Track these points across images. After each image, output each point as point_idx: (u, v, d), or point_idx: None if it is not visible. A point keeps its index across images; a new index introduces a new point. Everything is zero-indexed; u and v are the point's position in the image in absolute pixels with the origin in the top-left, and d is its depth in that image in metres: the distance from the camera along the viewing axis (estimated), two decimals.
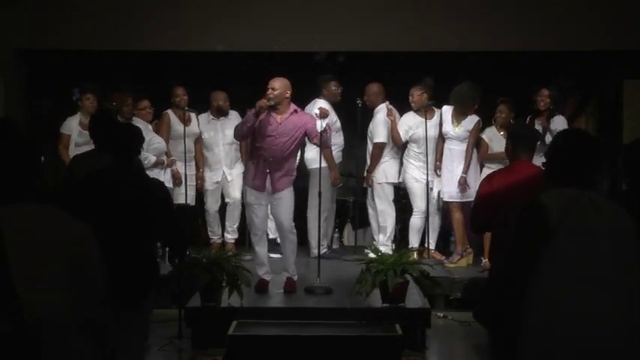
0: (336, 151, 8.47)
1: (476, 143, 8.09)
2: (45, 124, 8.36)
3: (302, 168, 8.41)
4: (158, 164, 7.83)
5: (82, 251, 2.78)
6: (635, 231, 3.12)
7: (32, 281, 2.62)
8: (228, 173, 8.58)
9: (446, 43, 8.40)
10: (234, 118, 8.42)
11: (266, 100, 6.53)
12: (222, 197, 8.71)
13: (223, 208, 8.75)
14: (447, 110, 8.14)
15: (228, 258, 6.39)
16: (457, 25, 8.38)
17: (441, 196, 8.19)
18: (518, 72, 8.58)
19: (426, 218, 8.22)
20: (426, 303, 6.48)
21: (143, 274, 4.31)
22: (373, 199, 8.54)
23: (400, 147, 8.40)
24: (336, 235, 9.15)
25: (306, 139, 6.93)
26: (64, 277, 2.72)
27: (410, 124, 8.24)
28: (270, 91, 6.59)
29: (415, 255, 7.47)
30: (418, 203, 8.27)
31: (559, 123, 7.82)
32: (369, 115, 8.51)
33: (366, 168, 8.56)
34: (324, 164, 7.64)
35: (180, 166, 8.10)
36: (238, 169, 8.52)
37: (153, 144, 7.95)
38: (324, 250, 8.11)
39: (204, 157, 8.56)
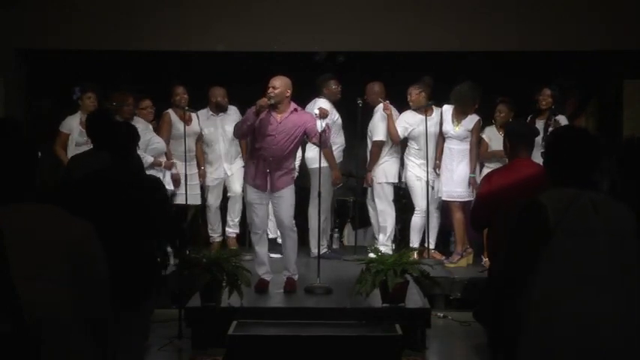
0: (338, 151, 8.47)
1: (477, 142, 8.09)
2: (45, 124, 8.36)
3: (303, 167, 8.42)
4: (155, 165, 7.81)
5: (83, 251, 2.78)
6: (635, 230, 3.12)
7: (32, 281, 2.62)
8: (228, 168, 8.59)
9: (446, 43, 8.41)
10: (233, 113, 8.43)
11: (267, 99, 6.53)
12: (224, 193, 8.72)
13: (224, 206, 8.76)
14: (448, 109, 8.15)
15: (228, 258, 6.39)
16: (457, 25, 8.38)
17: (439, 195, 8.19)
18: (518, 72, 8.58)
19: (427, 217, 8.22)
20: (426, 303, 6.48)
21: (143, 274, 4.31)
22: (373, 199, 8.54)
23: (399, 146, 8.40)
24: (336, 235, 9.15)
25: (306, 139, 6.93)
26: (65, 277, 2.72)
27: (409, 121, 8.25)
28: (270, 89, 6.59)
29: (415, 255, 7.47)
30: (420, 202, 8.26)
31: (560, 123, 7.81)
32: (369, 114, 8.51)
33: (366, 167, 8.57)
34: (323, 164, 7.64)
35: (180, 166, 8.10)
36: (238, 163, 8.54)
37: (152, 144, 7.95)
38: (324, 250, 8.11)
39: (204, 154, 8.57)
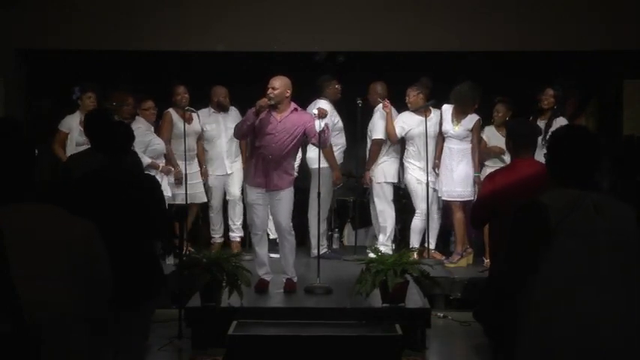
0: (339, 152, 8.48)
1: (479, 142, 8.09)
2: (45, 124, 8.36)
3: (304, 168, 8.43)
4: (152, 167, 7.79)
5: (85, 250, 2.78)
6: (637, 231, 3.11)
7: (32, 281, 2.62)
8: (228, 167, 8.59)
9: (446, 43, 8.40)
10: (234, 113, 8.43)
11: (267, 99, 6.54)
12: (224, 196, 8.73)
13: (225, 207, 8.76)
14: (447, 109, 8.14)
15: (228, 258, 6.39)
16: (457, 25, 8.38)
17: (440, 195, 8.19)
18: (518, 72, 8.58)
19: (427, 219, 8.22)
20: (426, 303, 6.48)
21: (143, 275, 4.31)
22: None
23: (399, 146, 8.40)
24: (336, 235, 9.15)
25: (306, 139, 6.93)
26: (66, 277, 2.72)
27: (407, 122, 8.24)
28: (270, 90, 6.60)
29: (415, 255, 7.47)
30: (421, 204, 8.25)
31: (561, 124, 7.81)
32: (369, 114, 8.52)
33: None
34: (323, 164, 7.63)
35: (181, 165, 8.09)
36: (238, 164, 8.53)
37: (152, 145, 7.95)
38: (324, 250, 8.11)
39: (205, 151, 8.57)
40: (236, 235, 8.65)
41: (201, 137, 8.51)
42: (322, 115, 6.94)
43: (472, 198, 7.97)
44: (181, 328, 6.37)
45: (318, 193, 7.38)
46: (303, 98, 7.51)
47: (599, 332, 2.99)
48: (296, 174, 7.20)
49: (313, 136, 6.71)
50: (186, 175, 8.05)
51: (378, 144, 8.39)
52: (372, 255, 6.64)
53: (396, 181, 8.46)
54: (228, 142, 8.53)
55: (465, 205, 8.03)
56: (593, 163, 3.21)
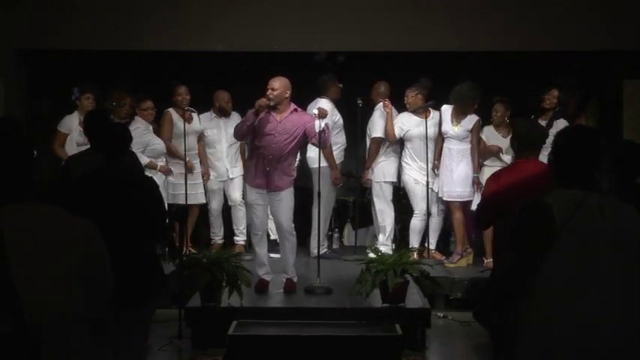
0: (339, 150, 8.49)
1: (479, 142, 8.08)
2: (45, 124, 8.35)
3: (304, 168, 8.43)
4: (150, 167, 7.78)
5: (86, 250, 2.78)
6: None
7: (33, 281, 2.62)
8: (229, 171, 8.59)
9: (446, 43, 8.40)
10: (235, 118, 8.43)
11: (266, 100, 6.54)
12: (225, 201, 8.72)
13: (225, 209, 8.76)
14: (447, 110, 8.14)
15: (228, 258, 6.39)
16: (457, 25, 8.38)
17: (440, 195, 8.19)
18: (518, 72, 8.58)
19: (426, 219, 8.22)
20: (426, 303, 6.48)
21: (143, 275, 4.31)
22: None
23: (398, 146, 8.40)
24: (336, 235, 9.15)
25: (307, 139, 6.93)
26: (66, 277, 2.71)
27: (405, 122, 8.24)
28: (270, 91, 6.60)
29: (415, 255, 7.47)
30: (420, 205, 8.26)
31: (561, 126, 7.79)
32: (369, 114, 8.53)
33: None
34: (323, 164, 7.63)
35: (181, 165, 8.09)
36: (239, 170, 8.53)
37: (152, 145, 7.95)
38: (324, 250, 8.11)
39: (207, 155, 8.57)
40: (240, 239, 8.65)
41: (201, 137, 8.50)
42: (322, 115, 6.94)
43: (471, 198, 7.97)
44: (181, 328, 6.37)
45: (319, 193, 7.38)
46: (303, 98, 7.52)
47: (599, 332, 2.99)
48: (294, 173, 7.19)
49: (313, 137, 6.71)
50: (186, 175, 8.04)
51: (377, 142, 8.40)
52: (372, 255, 6.64)
53: (395, 180, 8.46)
54: (228, 147, 8.53)
55: (464, 205, 8.04)
56: (597, 164, 3.21)
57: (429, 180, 8.16)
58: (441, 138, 8.19)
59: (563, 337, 3.00)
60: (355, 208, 9.15)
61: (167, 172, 8.10)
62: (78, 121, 7.79)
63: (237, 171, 8.56)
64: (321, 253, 7.46)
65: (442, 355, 6.55)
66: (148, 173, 7.54)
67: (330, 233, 8.87)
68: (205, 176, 8.50)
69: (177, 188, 8.21)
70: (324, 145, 7.02)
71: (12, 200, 2.77)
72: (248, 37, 8.43)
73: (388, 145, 8.40)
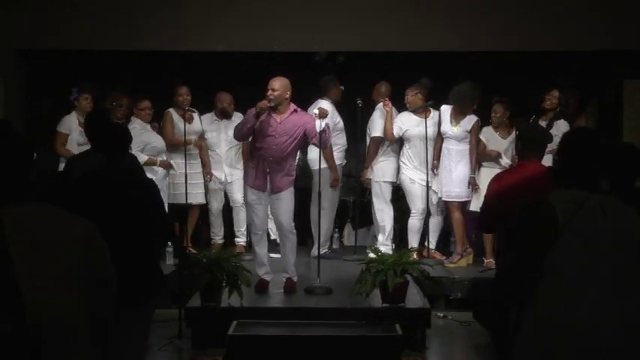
0: (340, 152, 8.48)
1: (477, 143, 8.08)
2: (45, 124, 8.36)
3: (305, 168, 8.43)
4: (150, 164, 7.79)
5: (85, 250, 2.78)
6: None
7: (33, 281, 2.62)
8: (229, 174, 8.59)
9: (446, 43, 8.40)
10: (238, 120, 8.41)
11: (267, 102, 6.53)
12: (227, 203, 8.72)
13: (226, 209, 8.76)
14: (446, 110, 8.14)
15: (228, 258, 6.39)
16: (457, 25, 8.38)
17: (439, 196, 8.19)
18: (518, 72, 8.58)
19: (425, 218, 8.23)
20: (426, 303, 6.48)
21: (143, 275, 4.31)
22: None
23: (397, 145, 8.40)
24: (336, 235, 9.15)
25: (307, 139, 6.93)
26: (66, 277, 2.71)
27: (405, 122, 8.25)
28: (270, 92, 6.59)
29: (415, 255, 7.47)
30: (416, 204, 8.27)
31: (561, 126, 7.79)
32: (370, 114, 8.53)
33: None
34: (324, 165, 7.63)
35: (181, 165, 8.08)
36: (239, 172, 8.51)
37: (151, 143, 7.95)
38: (324, 250, 8.12)
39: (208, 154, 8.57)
40: (241, 240, 8.65)
41: (202, 138, 8.49)
42: (323, 115, 6.94)
43: (470, 199, 7.98)
44: (181, 328, 6.37)
45: (319, 193, 7.38)
46: (303, 98, 7.52)
47: (599, 333, 2.99)
48: (294, 173, 7.18)
49: (314, 137, 6.71)
50: (186, 175, 8.04)
51: (376, 142, 8.41)
52: (372, 255, 6.64)
53: (394, 180, 8.47)
54: (227, 150, 8.53)
55: (463, 205, 8.04)
56: (598, 166, 3.21)
57: (428, 180, 8.17)
58: (439, 138, 8.19)
59: (564, 337, 3.00)
60: (355, 208, 9.15)
61: (167, 166, 8.08)
62: (77, 122, 7.80)
63: (237, 173, 8.55)
64: (321, 253, 7.47)
65: (442, 355, 6.56)
66: (148, 173, 7.57)
67: (330, 233, 8.87)
68: (208, 176, 8.50)
69: (176, 188, 8.21)
70: (324, 146, 7.02)
71: (12, 200, 2.77)
72: (248, 37, 8.43)
73: (388, 145, 8.41)
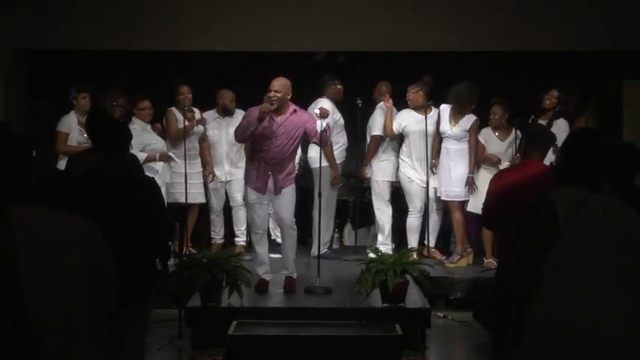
0: (340, 150, 8.48)
1: (477, 142, 8.07)
2: (45, 124, 8.35)
3: (306, 168, 8.43)
4: (150, 160, 7.78)
5: (86, 249, 2.78)
6: None
7: (33, 281, 2.62)
8: (229, 172, 8.59)
9: (446, 43, 8.41)
10: (239, 117, 8.40)
11: (270, 105, 6.53)
12: (227, 202, 8.72)
13: (226, 209, 8.76)
14: (445, 109, 8.14)
15: (228, 258, 6.39)
16: (457, 25, 8.38)
17: (438, 195, 8.19)
18: (518, 72, 8.58)
19: (424, 217, 8.23)
20: (426, 303, 6.48)
21: (142, 273, 4.31)
22: None
23: (397, 143, 8.41)
24: (336, 235, 9.15)
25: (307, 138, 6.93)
26: (67, 277, 2.71)
27: (405, 119, 8.25)
28: (273, 93, 6.58)
29: (415, 255, 7.47)
30: (415, 203, 8.28)
31: (560, 126, 7.79)
32: (370, 114, 8.53)
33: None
34: (324, 164, 7.64)
35: (181, 165, 8.08)
36: (241, 169, 8.50)
37: (150, 144, 7.95)
38: (324, 250, 8.12)
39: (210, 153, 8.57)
40: (241, 240, 8.65)
41: (204, 137, 8.49)
42: (324, 115, 6.94)
43: (469, 198, 7.97)
44: (181, 328, 6.37)
45: (319, 193, 7.39)
46: (303, 98, 7.52)
47: (599, 332, 2.99)
48: (296, 171, 7.19)
49: (314, 136, 6.72)
50: (186, 175, 8.04)
51: (377, 140, 8.41)
52: (372, 255, 6.65)
53: (394, 179, 8.47)
54: (228, 147, 8.53)
55: (462, 204, 8.04)
56: (599, 165, 3.22)
57: (428, 179, 8.17)
58: (438, 137, 8.18)
59: (564, 337, 3.00)
60: (355, 208, 9.15)
61: (166, 159, 8.06)
62: (77, 121, 7.79)
63: (239, 172, 8.53)
64: (321, 253, 7.47)
65: (442, 355, 6.56)
66: (148, 173, 7.56)
67: (330, 233, 8.87)
68: (210, 177, 8.50)
69: (176, 188, 8.21)
70: (324, 144, 7.02)
71: (12, 200, 2.77)
72: (248, 37, 8.43)
73: (388, 144, 8.41)
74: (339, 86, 8.44)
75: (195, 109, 8.37)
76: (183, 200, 8.08)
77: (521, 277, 3.14)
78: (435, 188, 8.21)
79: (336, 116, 8.31)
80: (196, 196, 8.40)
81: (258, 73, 7.19)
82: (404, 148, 8.32)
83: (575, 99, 8.35)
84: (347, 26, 8.41)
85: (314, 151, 8.13)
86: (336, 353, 5.72)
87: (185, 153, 8.04)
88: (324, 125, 6.81)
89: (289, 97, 6.67)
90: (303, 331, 5.88)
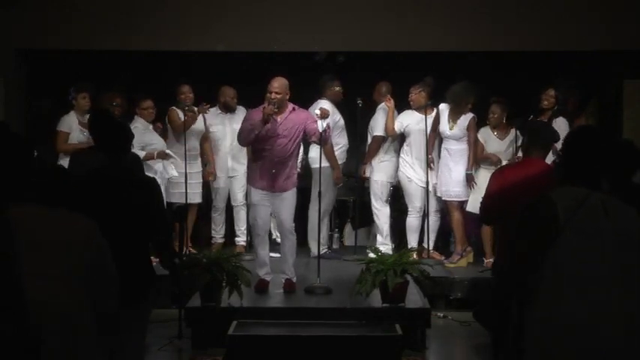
0: (341, 151, 8.47)
1: (476, 139, 8.06)
2: (45, 124, 8.35)
3: (306, 168, 8.43)
4: (148, 158, 7.77)
5: (86, 249, 2.78)
6: None
7: (33, 281, 2.62)
8: (232, 168, 8.58)
9: (446, 43, 8.40)
10: (241, 114, 8.40)
11: (272, 106, 6.54)
12: (228, 201, 8.71)
13: (228, 209, 8.75)
14: (444, 109, 8.14)
15: (228, 258, 6.39)
16: (457, 25, 8.38)
17: (439, 195, 8.19)
18: (518, 72, 8.58)
19: (423, 217, 8.23)
20: (426, 303, 6.48)
21: (142, 272, 4.31)
22: None
23: (398, 144, 8.41)
24: (336, 235, 9.15)
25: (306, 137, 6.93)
26: (67, 276, 2.72)
27: (406, 118, 8.25)
28: (274, 95, 6.59)
29: (415, 255, 7.47)
30: (414, 202, 8.28)
31: (560, 125, 7.79)
32: (370, 114, 8.53)
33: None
34: (324, 164, 7.64)
35: (181, 164, 8.07)
36: (243, 166, 8.47)
37: (151, 145, 7.95)
38: (324, 250, 8.12)
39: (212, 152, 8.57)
40: (241, 239, 8.65)
41: (205, 137, 8.48)
42: (324, 115, 6.94)
43: (468, 198, 7.97)
44: (181, 328, 6.37)
45: (319, 193, 7.38)
46: (303, 98, 7.52)
47: (599, 332, 2.99)
48: (299, 170, 7.19)
49: (313, 134, 6.73)
50: (186, 174, 8.04)
51: (378, 141, 8.41)
52: (372, 255, 6.65)
53: (394, 181, 8.47)
54: (232, 144, 8.52)
55: (462, 204, 8.04)
56: (600, 164, 3.22)
57: (428, 178, 8.16)
58: (433, 133, 8.18)
59: (564, 337, 3.00)
60: (355, 208, 9.15)
61: (164, 155, 8.04)
62: (77, 121, 7.80)
63: (241, 169, 8.52)
64: (321, 253, 7.47)
65: (442, 355, 6.56)
66: (149, 173, 7.56)
67: (330, 233, 8.87)
68: (212, 176, 8.50)
69: (175, 187, 8.21)
70: (324, 143, 7.02)
71: (12, 200, 2.77)
72: (248, 37, 8.43)
73: (389, 144, 8.41)
74: (338, 88, 8.43)
75: (196, 109, 8.37)
76: (180, 200, 8.07)
77: (522, 277, 3.14)
78: (435, 186, 8.21)
79: (336, 117, 8.30)
80: (194, 195, 8.40)
81: (258, 73, 7.19)
82: (405, 147, 8.33)
83: (575, 99, 8.35)
84: (347, 26, 8.41)
85: (314, 152, 8.13)
86: (336, 353, 5.72)
87: (185, 153, 8.03)
88: (324, 125, 6.81)
89: (288, 96, 6.68)
90: (303, 331, 5.88)
